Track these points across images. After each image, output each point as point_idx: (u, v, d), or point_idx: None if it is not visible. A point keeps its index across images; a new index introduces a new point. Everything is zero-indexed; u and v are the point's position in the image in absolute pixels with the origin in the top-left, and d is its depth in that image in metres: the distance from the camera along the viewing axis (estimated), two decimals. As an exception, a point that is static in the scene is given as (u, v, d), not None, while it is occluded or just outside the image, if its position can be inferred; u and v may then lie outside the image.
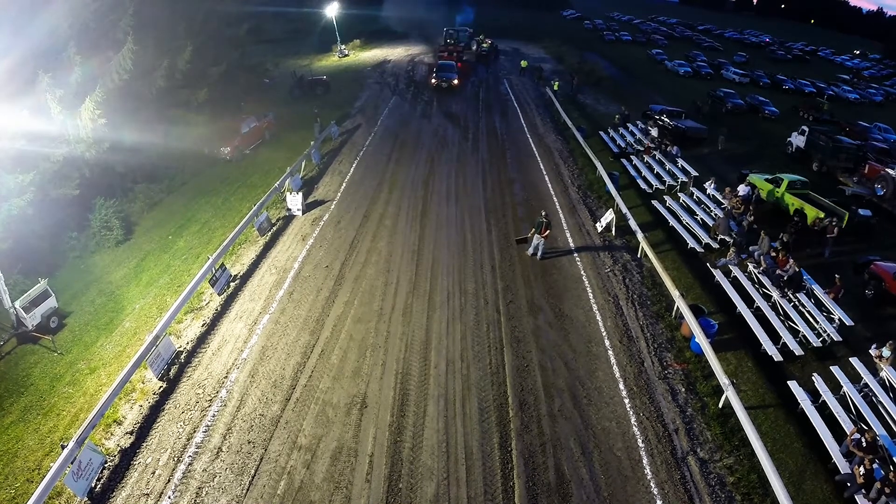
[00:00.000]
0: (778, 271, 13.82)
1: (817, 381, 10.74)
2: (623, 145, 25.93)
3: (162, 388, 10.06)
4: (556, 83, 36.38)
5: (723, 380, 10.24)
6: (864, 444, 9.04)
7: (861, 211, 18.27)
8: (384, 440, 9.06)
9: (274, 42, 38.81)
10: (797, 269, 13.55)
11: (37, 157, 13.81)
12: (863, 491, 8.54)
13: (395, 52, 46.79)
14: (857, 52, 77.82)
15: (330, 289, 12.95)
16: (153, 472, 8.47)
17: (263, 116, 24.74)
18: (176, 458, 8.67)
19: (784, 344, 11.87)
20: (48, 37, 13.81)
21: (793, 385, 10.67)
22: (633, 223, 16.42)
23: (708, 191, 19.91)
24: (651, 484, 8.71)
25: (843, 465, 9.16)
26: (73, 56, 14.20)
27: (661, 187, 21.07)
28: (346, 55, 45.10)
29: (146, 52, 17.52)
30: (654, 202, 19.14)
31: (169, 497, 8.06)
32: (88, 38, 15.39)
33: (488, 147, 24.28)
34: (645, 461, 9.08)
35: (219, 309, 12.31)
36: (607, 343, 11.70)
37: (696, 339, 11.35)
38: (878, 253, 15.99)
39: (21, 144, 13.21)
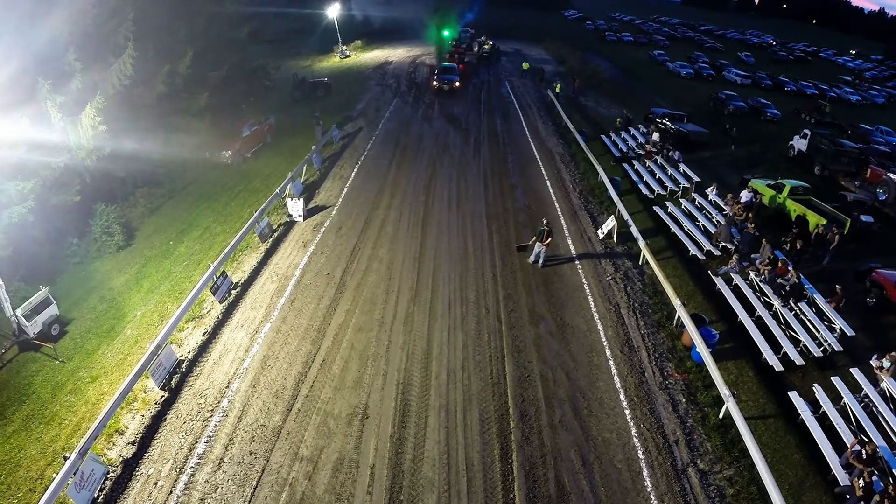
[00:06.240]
0: (779, 280, 13.82)
1: (818, 391, 10.75)
2: (625, 149, 25.91)
3: (164, 398, 10.09)
4: (558, 85, 36.39)
5: (723, 390, 10.26)
6: (865, 457, 9.05)
7: (863, 217, 18.24)
8: (385, 451, 9.08)
9: (274, 42, 38.77)
10: (797, 279, 13.54)
11: (37, 165, 13.78)
12: (861, 503, 8.56)
13: (396, 53, 46.77)
14: (854, 52, 77.56)
15: (331, 297, 12.97)
16: (155, 483, 8.50)
17: (264, 120, 24.75)
18: (178, 469, 8.70)
19: (785, 353, 11.87)
20: (49, 44, 13.78)
21: (793, 396, 10.69)
22: (634, 230, 16.43)
23: (710, 196, 19.91)
24: (651, 496, 8.73)
25: (842, 477, 9.18)
26: (73, 63, 14.16)
27: (663, 193, 21.06)
28: (348, 56, 45.07)
29: (147, 57, 17.51)
30: (656, 208, 19.13)
31: (171, 509, 8.09)
32: (89, 45, 15.35)
33: (490, 151, 24.28)
34: (645, 473, 9.10)
35: (220, 317, 12.33)
36: (608, 353, 11.71)
37: (697, 349, 11.36)
38: (879, 260, 15.97)
39: (21, 152, 13.20)
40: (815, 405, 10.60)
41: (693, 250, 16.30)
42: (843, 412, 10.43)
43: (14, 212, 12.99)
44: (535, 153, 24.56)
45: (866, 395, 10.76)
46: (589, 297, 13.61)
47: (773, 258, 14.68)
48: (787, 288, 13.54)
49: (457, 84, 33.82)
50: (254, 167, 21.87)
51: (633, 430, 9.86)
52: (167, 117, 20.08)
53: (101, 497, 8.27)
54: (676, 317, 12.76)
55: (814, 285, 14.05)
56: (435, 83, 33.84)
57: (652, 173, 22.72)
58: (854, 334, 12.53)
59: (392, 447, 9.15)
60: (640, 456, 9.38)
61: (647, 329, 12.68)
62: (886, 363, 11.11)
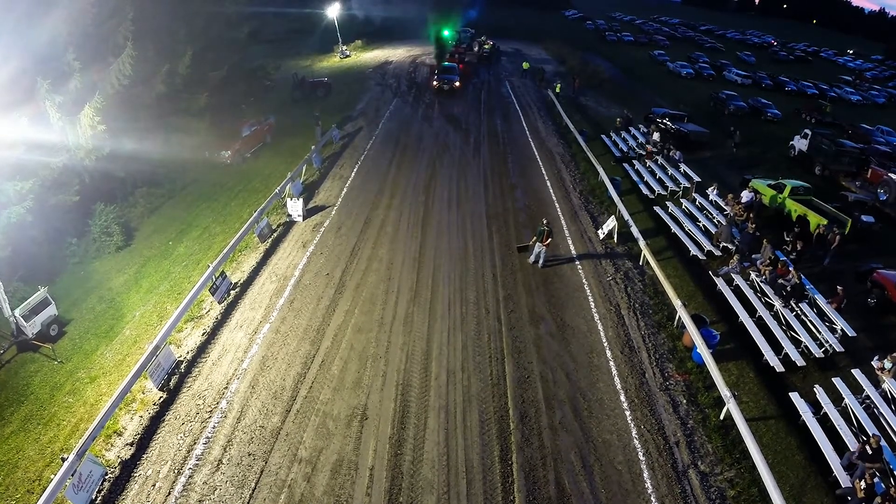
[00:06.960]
0: (780, 280, 13.77)
1: (819, 392, 10.70)
2: (625, 149, 25.87)
3: (162, 399, 10.05)
4: (558, 85, 36.34)
5: (724, 391, 10.22)
6: (870, 452, 9.00)
7: (864, 217, 18.19)
8: (385, 453, 9.04)
9: (274, 42, 38.74)
10: (798, 280, 13.49)
11: (36, 165, 13.73)
12: (863, 505, 8.52)
13: (396, 53, 46.73)
14: (852, 52, 77.39)
15: (330, 297, 12.93)
16: (154, 485, 8.46)
17: (264, 120, 24.72)
18: (176, 471, 8.66)
19: (786, 354, 11.83)
20: (47, 44, 13.73)
21: (794, 396, 10.64)
22: (635, 230, 16.38)
23: (710, 196, 19.86)
24: (652, 498, 8.69)
25: (843, 479, 9.14)
26: (72, 62, 14.10)
27: (664, 193, 21.01)
28: (348, 56, 45.02)
29: (146, 57, 17.46)
30: (657, 208, 19.09)
31: (169, 511, 8.05)
32: (88, 45, 15.31)
33: (490, 151, 24.23)
34: (646, 475, 9.06)
35: (219, 317, 12.29)
36: (609, 353, 11.66)
37: (698, 350, 11.32)
38: (880, 260, 15.93)
39: (20, 152, 13.16)
40: (816, 406, 10.55)
41: (694, 251, 16.25)
42: (845, 413, 10.39)
43: (13, 212, 12.94)
44: (536, 153, 24.52)
45: (867, 396, 10.72)
46: (589, 298, 13.56)
47: (774, 258, 14.64)
48: (788, 288, 13.50)
49: (457, 84, 33.78)
50: (253, 167, 21.83)
51: (634, 432, 9.81)
52: (167, 117, 20.03)
53: (100, 498, 8.24)
54: (677, 317, 12.72)
55: (815, 286, 14.00)
56: (435, 83, 33.80)
57: (652, 173, 22.67)
58: (855, 335, 12.48)
59: (391, 448, 9.11)
60: (641, 457, 9.34)
61: (648, 330, 12.64)
62: (888, 364, 11.07)
